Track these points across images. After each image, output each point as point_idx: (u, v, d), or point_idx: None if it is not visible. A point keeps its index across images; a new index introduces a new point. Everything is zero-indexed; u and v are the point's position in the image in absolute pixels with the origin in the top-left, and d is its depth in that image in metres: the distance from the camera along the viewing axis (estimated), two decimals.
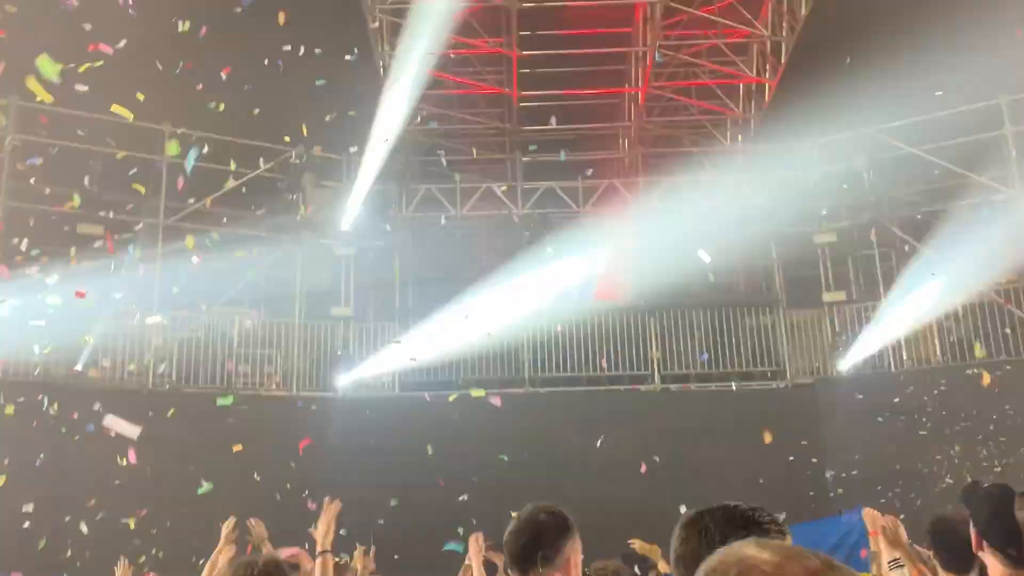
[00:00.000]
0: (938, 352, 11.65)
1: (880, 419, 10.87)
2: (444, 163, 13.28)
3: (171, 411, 9.83)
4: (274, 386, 11.81)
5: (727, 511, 1.76)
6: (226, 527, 4.81)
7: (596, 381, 12.22)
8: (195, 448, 9.85)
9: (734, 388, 11.91)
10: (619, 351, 12.43)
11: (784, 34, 12.37)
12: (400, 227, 13.13)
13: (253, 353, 11.87)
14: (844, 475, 10.59)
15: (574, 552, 2.37)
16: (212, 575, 4.60)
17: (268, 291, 12.14)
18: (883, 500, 8.95)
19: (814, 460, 10.92)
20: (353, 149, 12.43)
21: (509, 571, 2.42)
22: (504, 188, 13.29)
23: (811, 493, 10.49)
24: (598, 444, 10.78)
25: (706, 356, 12.12)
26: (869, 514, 5.34)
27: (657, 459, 10.35)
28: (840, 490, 10.73)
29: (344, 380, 11.85)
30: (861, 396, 11.42)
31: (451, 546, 6.61)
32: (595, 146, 14.23)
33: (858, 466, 10.74)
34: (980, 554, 2.56)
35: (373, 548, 5.44)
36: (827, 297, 12.46)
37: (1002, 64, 10.30)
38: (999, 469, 9.74)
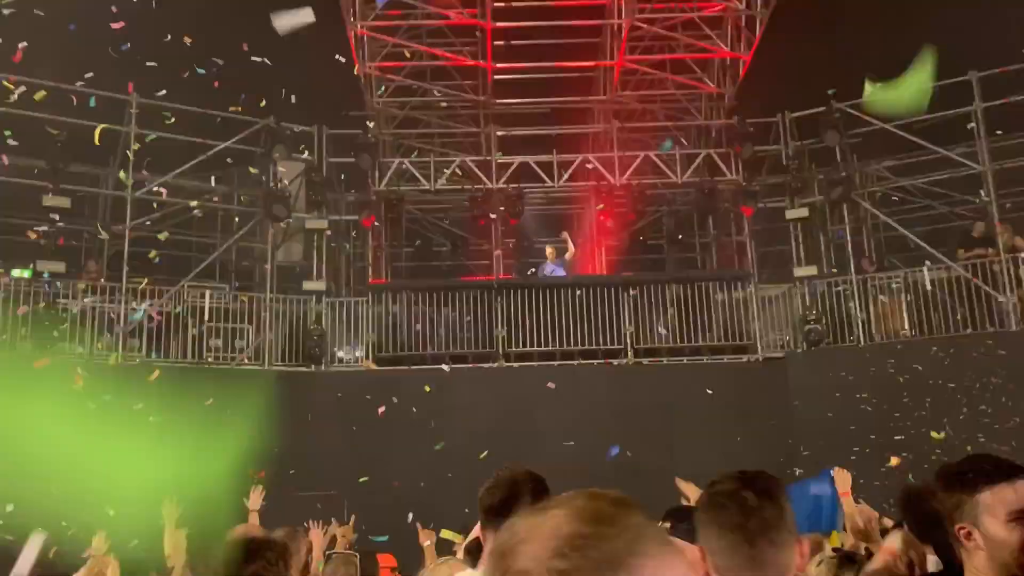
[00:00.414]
0: (906, 326, 11.81)
1: (848, 393, 11.01)
2: (417, 136, 13.17)
3: (154, 373, 9.62)
4: (246, 360, 11.72)
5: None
6: (167, 509, 4.96)
7: (569, 355, 12.25)
8: (168, 423, 9.76)
9: (704, 361, 11.98)
10: (593, 325, 12.47)
11: (759, 8, 12.35)
12: (373, 201, 13.03)
13: (224, 327, 11.77)
14: (811, 450, 10.71)
15: None
16: (172, 550, 4.69)
17: (238, 265, 12.03)
18: (854, 472, 9.07)
19: (785, 434, 11.04)
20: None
21: (484, 528, 2.41)
22: (478, 162, 13.23)
23: (780, 460, 10.58)
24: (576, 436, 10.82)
25: (664, 332, 12.18)
26: (840, 474, 5.42)
27: (629, 453, 10.36)
28: (802, 470, 10.87)
29: (317, 355, 11.79)
30: (830, 371, 11.56)
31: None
32: (569, 120, 14.17)
33: (826, 438, 10.89)
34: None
35: (353, 517, 5.51)
36: (798, 272, 12.56)
37: (972, 40, 10.37)
38: (967, 440, 9.91)
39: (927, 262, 11.90)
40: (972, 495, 1.86)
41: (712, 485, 1.80)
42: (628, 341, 12.46)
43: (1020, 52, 11.23)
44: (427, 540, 5.05)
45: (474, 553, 3.22)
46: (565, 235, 13.17)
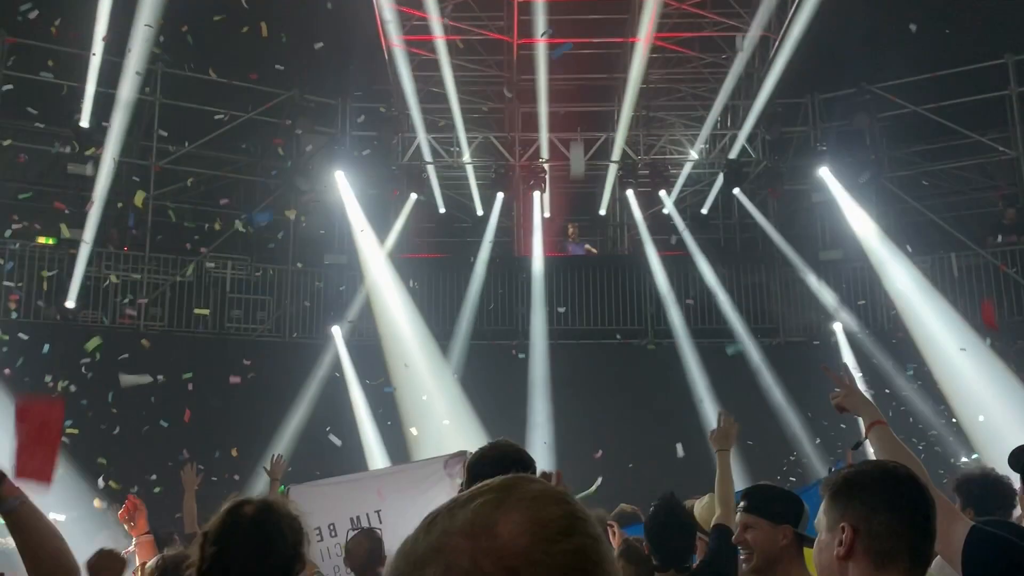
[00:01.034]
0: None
1: (870, 378, 10.88)
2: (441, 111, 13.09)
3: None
4: (266, 331, 11.80)
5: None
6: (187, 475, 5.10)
7: (590, 335, 12.21)
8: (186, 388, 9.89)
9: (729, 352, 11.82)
10: (614, 306, 12.42)
11: None
12: (397, 175, 13.01)
13: (246, 299, 11.85)
14: (830, 434, 10.61)
15: None
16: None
17: (261, 236, 12.07)
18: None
19: (809, 415, 10.90)
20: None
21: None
22: (501, 138, 13.16)
23: (793, 456, 10.51)
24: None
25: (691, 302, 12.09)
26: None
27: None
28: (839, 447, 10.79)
29: (338, 327, 11.83)
30: (853, 355, 11.43)
31: None
32: (594, 97, 14.02)
33: (845, 422, 10.76)
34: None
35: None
36: (823, 256, 12.40)
37: (1009, 23, 10.10)
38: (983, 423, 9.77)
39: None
40: None
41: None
42: (649, 322, 12.39)
43: None
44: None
45: None
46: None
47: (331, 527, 5.31)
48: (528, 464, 2.42)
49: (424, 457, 7.55)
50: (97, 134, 10.50)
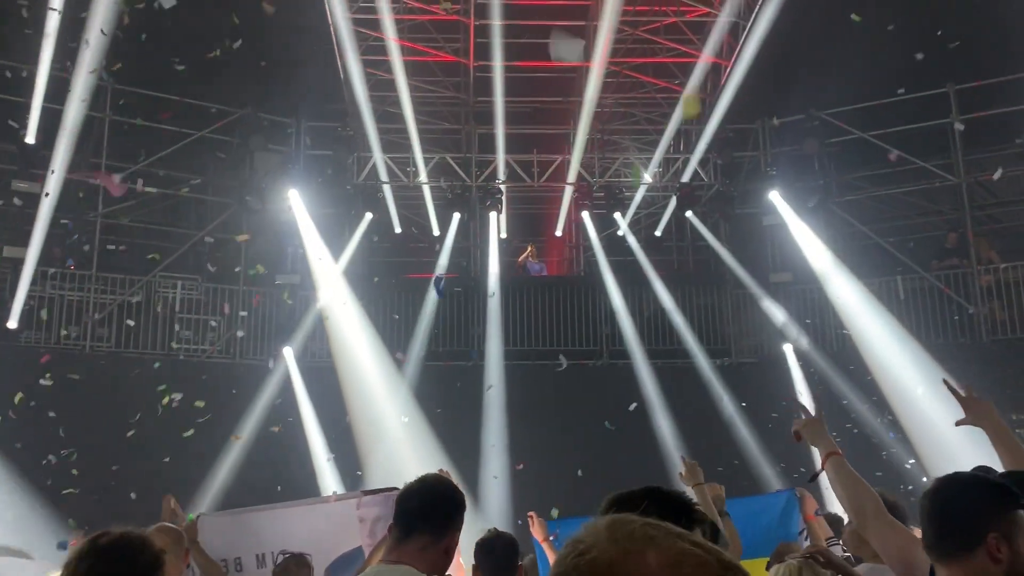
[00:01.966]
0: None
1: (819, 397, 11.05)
2: (397, 131, 13.07)
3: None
4: (216, 353, 11.60)
5: (662, 495, 1.75)
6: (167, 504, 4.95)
7: (545, 355, 12.22)
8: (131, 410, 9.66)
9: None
10: (570, 326, 12.48)
11: (742, 14, 12.37)
12: (352, 195, 12.93)
13: (195, 319, 11.64)
14: (783, 451, 10.76)
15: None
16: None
17: (212, 256, 11.89)
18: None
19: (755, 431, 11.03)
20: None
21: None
22: (459, 159, 13.17)
23: (736, 463, 10.57)
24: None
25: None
26: (809, 502, 5.42)
27: (609, 425, 10.48)
28: (782, 464, 10.93)
29: (288, 349, 11.67)
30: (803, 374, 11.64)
31: None
32: (550, 120, 14.15)
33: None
34: None
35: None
36: (773, 278, 12.60)
37: (953, 53, 10.43)
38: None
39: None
40: (1013, 511, 1.91)
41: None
42: (604, 342, 12.46)
43: (998, 66, 11.32)
44: None
45: None
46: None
47: (237, 561, 5.07)
48: (458, 502, 2.42)
49: (370, 486, 7.42)
50: (43, 151, 10.27)
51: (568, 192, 13.26)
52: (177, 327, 11.39)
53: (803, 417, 2.72)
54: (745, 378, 11.84)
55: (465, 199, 12.95)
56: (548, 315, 12.53)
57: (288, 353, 11.56)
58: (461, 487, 2.54)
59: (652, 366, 11.92)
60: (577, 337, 12.48)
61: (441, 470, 4.28)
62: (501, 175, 13.00)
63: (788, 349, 12.04)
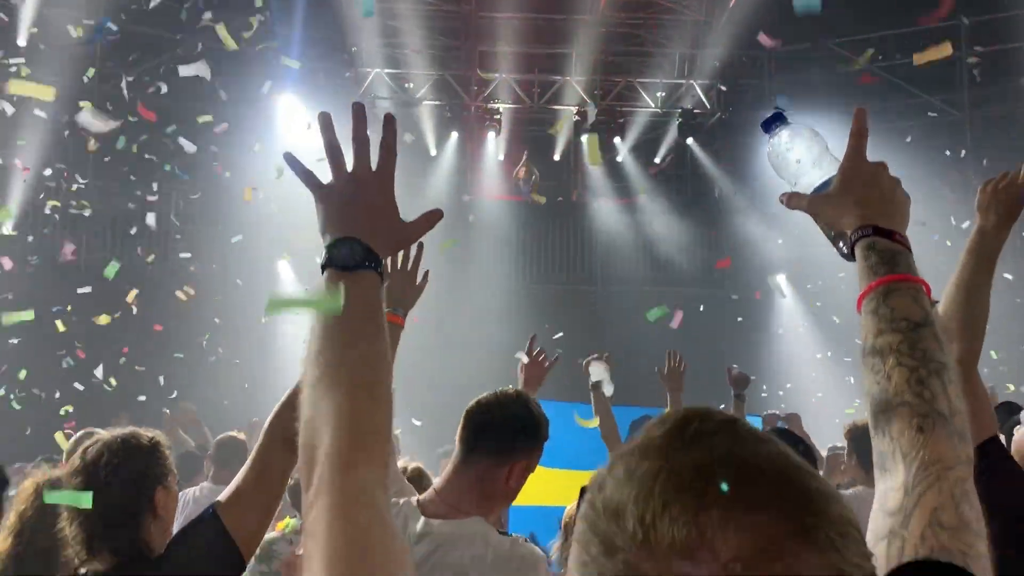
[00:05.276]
0: None
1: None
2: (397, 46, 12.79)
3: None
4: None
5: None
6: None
7: (543, 279, 12.27)
8: None
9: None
10: (562, 253, 12.49)
11: None
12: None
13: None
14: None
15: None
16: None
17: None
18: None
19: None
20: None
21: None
22: (457, 76, 12.94)
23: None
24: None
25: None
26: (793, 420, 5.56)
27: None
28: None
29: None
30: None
31: None
32: (553, 40, 13.84)
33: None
34: None
35: None
36: (773, 208, 12.56)
37: None
38: None
39: None
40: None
41: None
42: (598, 270, 12.50)
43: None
44: None
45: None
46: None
47: None
48: (535, 424, 2.19)
49: None
50: None
51: (569, 115, 13.08)
52: None
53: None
54: (739, 309, 11.93)
55: (463, 119, 12.78)
56: (543, 242, 12.51)
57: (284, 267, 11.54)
58: None
59: (646, 294, 11.94)
60: (570, 264, 12.50)
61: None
62: (500, 95, 12.80)
63: (782, 280, 12.09)
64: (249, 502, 1.95)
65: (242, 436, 5.15)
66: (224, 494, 1.99)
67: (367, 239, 1.08)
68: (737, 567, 0.54)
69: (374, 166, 1.15)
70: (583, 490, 0.65)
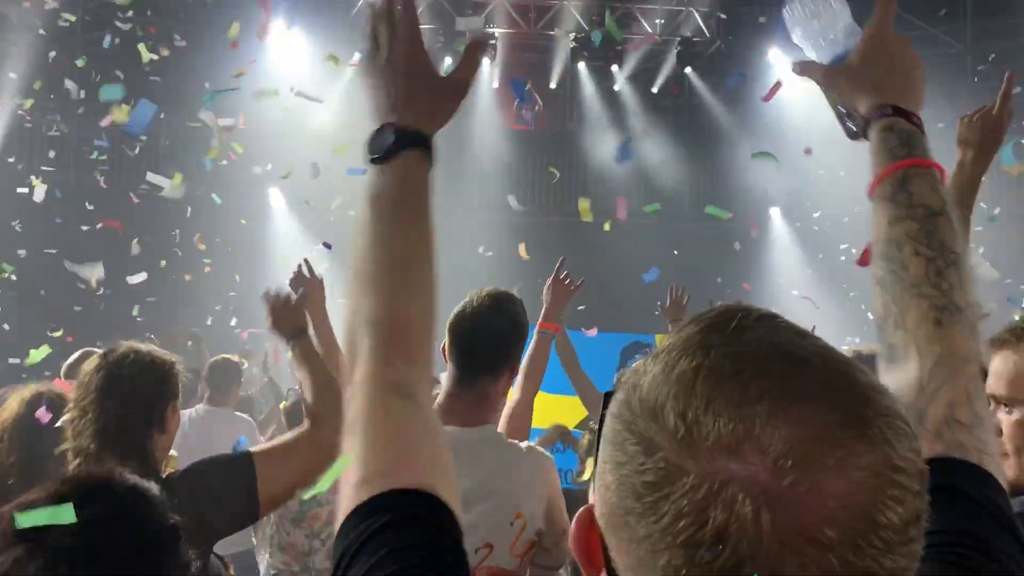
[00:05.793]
0: None
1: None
2: None
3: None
4: None
5: None
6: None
7: (539, 211, 12.18)
8: None
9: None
10: (559, 182, 12.37)
11: None
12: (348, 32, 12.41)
13: None
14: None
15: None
16: None
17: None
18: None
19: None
20: None
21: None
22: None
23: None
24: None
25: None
26: None
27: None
28: None
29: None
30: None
31: None
32: None
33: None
34: None
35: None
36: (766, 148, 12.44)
37: None
38: None
39: None
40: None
41: None
42: (595, 200, 12.38)
43: None
44: None
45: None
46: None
47: None
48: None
49: None
50: None
51: (566, 42, 12.82)
52: None
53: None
54: (734, 241, 11.89)
55: (460, 39, 12.48)
56: (539, 170, 12.38)
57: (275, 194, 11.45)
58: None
59: (643, 226, 11.89)
60: (566, 194, 12.39)
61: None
62: (496, 19, 12.49)
63: (775, 213, 12.08)
64: (288, 465, 2.01)
65: (235, 359, 5.19)
66: (265, 446, 2.10)
67: (408, 116, 1.03)
68: (787, 463, 0.52)
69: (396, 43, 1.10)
70: (607, 394, 0.63)
